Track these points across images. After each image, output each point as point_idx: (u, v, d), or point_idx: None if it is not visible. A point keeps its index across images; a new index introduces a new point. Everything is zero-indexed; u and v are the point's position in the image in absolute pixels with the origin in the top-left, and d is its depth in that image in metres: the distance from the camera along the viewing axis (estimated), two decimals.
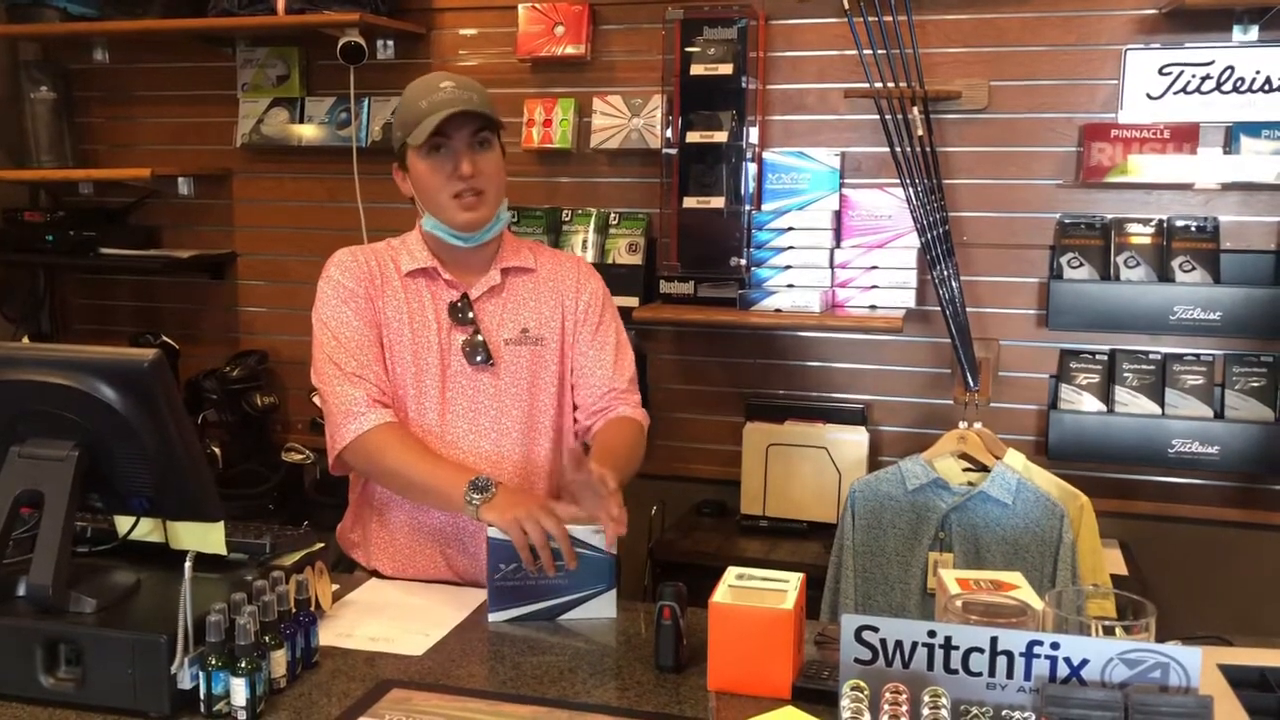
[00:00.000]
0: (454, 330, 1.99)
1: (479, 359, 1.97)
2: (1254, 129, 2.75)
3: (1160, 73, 2.80)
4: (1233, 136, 2.77)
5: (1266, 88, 2.74)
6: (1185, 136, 2.79)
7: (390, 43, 3.32)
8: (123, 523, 1.67)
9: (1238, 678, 1.49)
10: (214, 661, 1.41)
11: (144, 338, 3.47)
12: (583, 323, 2.06)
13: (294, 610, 1.54)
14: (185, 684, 1.42)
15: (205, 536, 1.61)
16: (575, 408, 2.08)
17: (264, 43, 3.43)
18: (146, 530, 1.66)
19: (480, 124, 1.92)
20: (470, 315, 1.99)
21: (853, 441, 2.96)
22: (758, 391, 3.16)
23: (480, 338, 1.98)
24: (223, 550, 1.63)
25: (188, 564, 1.41)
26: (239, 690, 1.41)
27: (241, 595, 1.47)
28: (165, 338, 3.48)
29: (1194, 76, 2.78)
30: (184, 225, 3.62)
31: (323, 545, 1.80)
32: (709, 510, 3.13)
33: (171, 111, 3.59)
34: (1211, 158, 2.78)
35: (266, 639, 1.47)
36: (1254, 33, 2.74)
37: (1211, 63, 2.76)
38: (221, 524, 1.61)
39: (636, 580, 2.94)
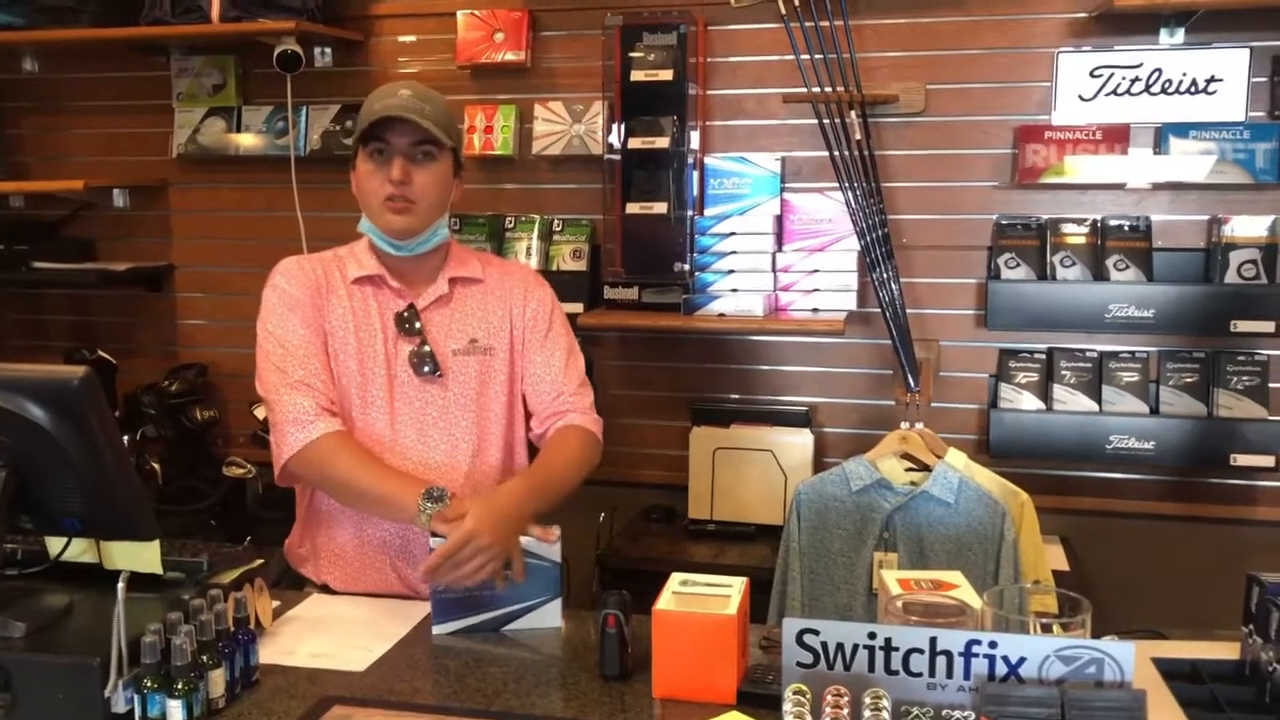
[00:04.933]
0: (400, 340, 1.97)
1: (426, 370, 1.96)
2: (1182, 130, 2.81)
3: (1091, 75, 2.85)
4: (1162, 137, 2.83)
5: (1193, 89, 2.80)
6: (1116, 137, 2.84)
7: (328, 50, 3.29)
8: (54, 544, 1.64)
9: (1170, 670, 1.52)
10: (149, 683, 1.39)
11: (79, 353, 3.41)
12: (530, 329, 2.06)
13: (232, 629, 1.52)
14: (120, 707, 1.40)
15: (140, 556, 1.59)
16: (529, 415, 2.08)
17: (199, 51, 3.38)
18: (79, 551, 1.64)
19: (422, 135, 1.90)
20: (417, 326, 1.97)
21: (798, 444, 2.98)
22: (703, 396, 3.17)
23: (427, 348, 1.96)
24: (158, 569, 1.60)
25: (121, 584, 1.39)
26: (175, 712, 1.39)
27: (178, 615, 1.45)
28: (101, 352, 3.41)
29: (1124, 79, 2.83)
30: (119, 237, 3.56)
31: (262, 562, 1.77)
32: (657, 515, 3.13)
33: (104, 122, 3.52)
34: (1142, 158, 2.84)
35: (204, 659, 1.44)
36: (1180, 35, 2.80)
37: (1140, 65, 2.82)
38: (157, 543, 1.59)
39: (585, 587, 2.93)
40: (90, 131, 3.54)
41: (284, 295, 1.95)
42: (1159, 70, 2.80)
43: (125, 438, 3.20)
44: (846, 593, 2.36)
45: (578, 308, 3.04)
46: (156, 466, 3.26)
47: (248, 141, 3.37)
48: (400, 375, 1.96)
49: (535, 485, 1.88)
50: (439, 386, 1.98)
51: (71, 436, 1.47)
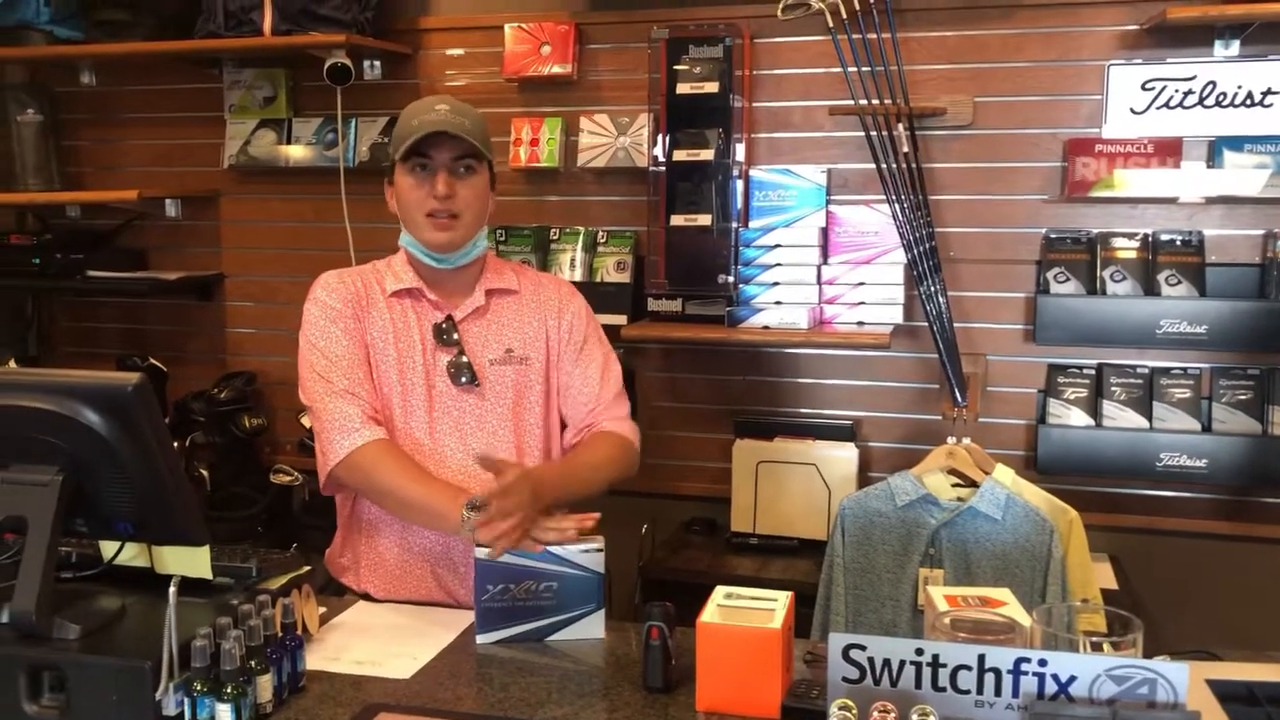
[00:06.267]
0: (439, 351, 1.99)
1: (464, 380, 1.97)
2: (1236, 143, 2.76)
3: (1143, 88, 2.82)
4: (1216, 151, 2.79)
5: (1248, 102, 2.75)
6: (1169, 151, 2.80)
7: (377, 63, 3.33)
8: (107, 547, 1.67)
9: (1225, 693, 1.49)
10: (199, 687, 1.41)
11: (131, 360, 3.46)
12: (566, 343, 2.07)
13: (280, 634, 1.53)
14: (170, 710, 1.41)
15: (191, 561, 1.60)
16: (564, 426, 2.09)
17: (251, 64, 3.44)
18: (132, 555, 1.66)
19: (464, 149, 1.92)
20: (455, 336, 2.00)
21: (842, 458, 2.96)
22: (746, 408, 3.16)
23: (465, 359, 1.98)
24: (208, 574, 1.62)
25: (172, 588, 1.41)
26: (224, 716, 1.41)
27: (227, 620, 1.46)
28: (153, 360, 3.47)
29: (1177, 91, 2.80)
30: (171, 247, 3.62)
31: (309, 568, 1.79)
32: (699, 528, 3.12)
33: (158, 133, 3.59)
34: (1195, 172, 2.80)
35: (252, 664, 1.46)
36: (1235, 48, 2.76)
37: (1194, 78, 2.78)
38: (207, 548, 1.61)
39: (627, 599, 2.93)
40: (144, 143, 3.61)
41: (325, 308, 1.98)
42: (1213, 83, 2.76)
43: (175, 444, 3.25)
44: (891, 609, 2.34)
45: (621, 319, 3.05)
46: (205, 473, 3.31)
47: (298, 153, 3.42)
48: (439, 385, 1.98)
49: (562, 470, 1.96)
50: (476, 396, 1.99)
51: (125, 442, 1.49)
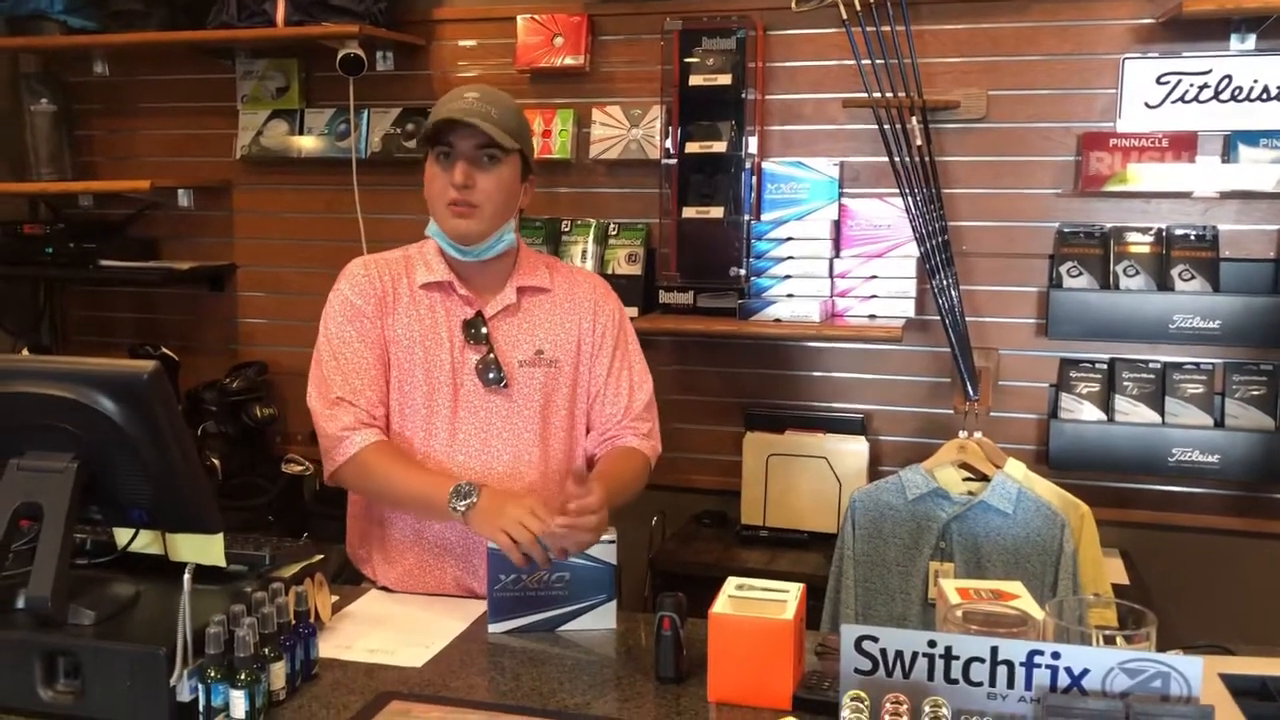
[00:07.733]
0: (467, 349, 1.97)
1: (491, 377, 1.95)
2: (1252, 137, 2.75)
3: (1158, 82, 2.81)
4: (1231, 145, 2.77)
5: (1264, 96, 2.74)
6: (1183, 145, 2.79)
7: (389, 54, 3.33)
8: (122, 535, 1.67)
9: (1239, 687, 1.48)
10: (213, 674, 1.41)
11: (143, 350, 3.47)
12: (600, 347, 2.05)
13: (293, 622, 1.54)
14: (184, 696, 1.42)
15: (204, 548, 1.61)
16: (587, 430, 2.08)
17: (263, 55, 3.44)
18: (146, 542, 1.66)
19: (486, 138, 1.89)
20: (484, 333, 1.97)
21: (853, 451, 2.96)
22: (757, 401, 3.16)
23: (493, 357, 1.96)
24: (222, 562, 1.62)
25: (187, 576, 1.41)
26: (238, 702, 1.41)
27: (241, 607, 1.46)
28: (165, 349, 3.48)
29: (1192, 85, 2.78)
30: (183, 237, 3.62)
31: (322, 557, 1.79)
32: (709, 520, 3.12)
33: (171, 124, 3.59)
34: (1210, 166, 2.79)
35: (266, 651, 1.46)
36: (1251, 41, 2.74)
37: (1209, 71, 2.77)
38: (221, 536, 1.61)
39: (637, 591, 2.93)
40: (157, 133, 3.62)
41: (346, 303, 1.97)
42: (1229, 77, 2.75)
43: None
44: (901, 602, 2.34)
45: (632, 312, 3.04)
46: (216, 462, 3.31)
47: (310, 144, 3.42)
48: (466, 384, 1.96)
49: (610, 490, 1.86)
50: (503, 396, 1.97)
51: (140, 430, 1.50)
